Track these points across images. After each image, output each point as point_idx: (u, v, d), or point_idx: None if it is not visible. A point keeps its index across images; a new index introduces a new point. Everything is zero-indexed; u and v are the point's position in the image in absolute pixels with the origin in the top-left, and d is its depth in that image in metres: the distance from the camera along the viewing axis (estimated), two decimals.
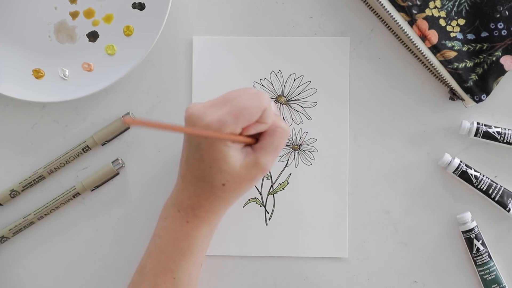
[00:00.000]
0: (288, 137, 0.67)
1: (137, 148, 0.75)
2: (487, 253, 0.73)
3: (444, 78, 0.72)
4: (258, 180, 0.66)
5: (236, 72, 0.75)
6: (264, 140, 0.65)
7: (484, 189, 0.73)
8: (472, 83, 0.72)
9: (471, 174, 0.73)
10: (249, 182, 0.65)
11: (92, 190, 0.75)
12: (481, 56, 0.72)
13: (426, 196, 0.74)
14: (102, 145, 0.75)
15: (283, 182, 0.75)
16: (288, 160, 0.75)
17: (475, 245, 0.73)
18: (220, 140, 0.63)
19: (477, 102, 0.72)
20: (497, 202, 0.73)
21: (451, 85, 0.72)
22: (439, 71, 0.72)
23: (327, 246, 0.74)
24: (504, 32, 0.71)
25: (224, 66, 0.75)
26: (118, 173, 0.75)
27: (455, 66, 0.71)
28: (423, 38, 0.71)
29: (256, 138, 0.66)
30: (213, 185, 0.64)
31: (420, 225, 0.74)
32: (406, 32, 0.71)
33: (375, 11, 0.74)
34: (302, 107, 0.75)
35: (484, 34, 0.72)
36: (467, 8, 0.72)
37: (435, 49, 0.71)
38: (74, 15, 0.74)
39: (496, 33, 0.71)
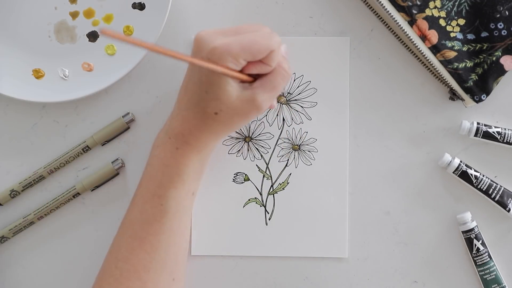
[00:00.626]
0: (289, 82, 0.66)
1: (137, 148, 0.75)
2: (487, 253, 0.73)
3: (444, 78, 0.72)
4: (251, 118, 0.66)
5: None
6: (265, 78, 0.65)
7: (484, 189, 0.73)
8: (472, 83, 0.72)
9: (471, 174, 0.73)
10: (242, 118, 0.65)
11: (92, 190, 0.75)
12: (481, 56, 0.72)
13: (426, 196, 0.74)
14: (102, 145, 0.75)
15: (283, 182, 0.75)
16: (288, 160, 0.75)
17: (475, 245, 0.73)
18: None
19: (477, 102, 0.72)
20: (497, 202, 0.73)
21: (451, 85, 0.72)
22: (439, 71, 0.72)
23: (327, 246, 0.74)
24: (504, 32, 0.71)
25: None
26: (118, 173, 0.75)
27: (455, 66, 0.71)
28: (423, 38, 0.71)
29: (255, 78, 0.66)
30: (205, 112, 0.64)
31: (420, 225, 0.74)
32: (406, 32, 0.71)
33: (375, 11, 0.74)
34: (302, 107, 0.75)
35: (484, 34, 0.72)
36: (467, 8, 0.72)
37: (435, 49, 0.71)
38: (74, 15, 0.74)
39: (496, 33, 0.71)
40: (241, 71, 0.64)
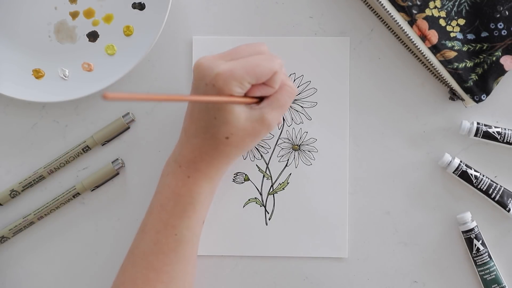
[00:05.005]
0: (295, 97, 0.68)
1: (137, 148, 0.75)
2: (487, 253, 0.73)
3: (444, 78, 0.72)
4: (261, 137, 0.66)
5: None
6: (272, 97, 0.65)
7: (484, 189, 0.73)
8: (472, 83, 0.72)
9: (471, 174, 0.73)
10: (253, 138, 0.65)
11: (92, 190, 0.75)
12: (481, 56, 0.72)
13: (426, 196, 0.74)
14: (102, 145, 0.75)
15: (283, 182, 0.75)
16: (288, 160, 0.75)
17: (475, 245, 0.73)
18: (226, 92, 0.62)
19: (477, 102, 0.72)
20: (497, 202, 0.73)
21: (451, 85, 0.72)
22: (439, 71, 0.72)
23: (327, 246, 0.74)
24: (504, 32, 0.71)
25: None
26: (118, 173, 0.75)
27: (455, 66, 0.71)
28: (423, 38, 0.71)
29: (260, 99, 0.66)
30: (216, 138, 0.64)
31: (420, 225, 0.75)
32: (406, 32, 0.71)
33: (375, 11, 0.74)
34: (302, 107, 0.75)
35: (484, 34, 0.72)
36: (467, 8, 0.72)
37: (435, 49, 0.71)
38: (74, 15, 0.74)
39: (496, 33, 0.71)
40: (245, 95, 0.64)
